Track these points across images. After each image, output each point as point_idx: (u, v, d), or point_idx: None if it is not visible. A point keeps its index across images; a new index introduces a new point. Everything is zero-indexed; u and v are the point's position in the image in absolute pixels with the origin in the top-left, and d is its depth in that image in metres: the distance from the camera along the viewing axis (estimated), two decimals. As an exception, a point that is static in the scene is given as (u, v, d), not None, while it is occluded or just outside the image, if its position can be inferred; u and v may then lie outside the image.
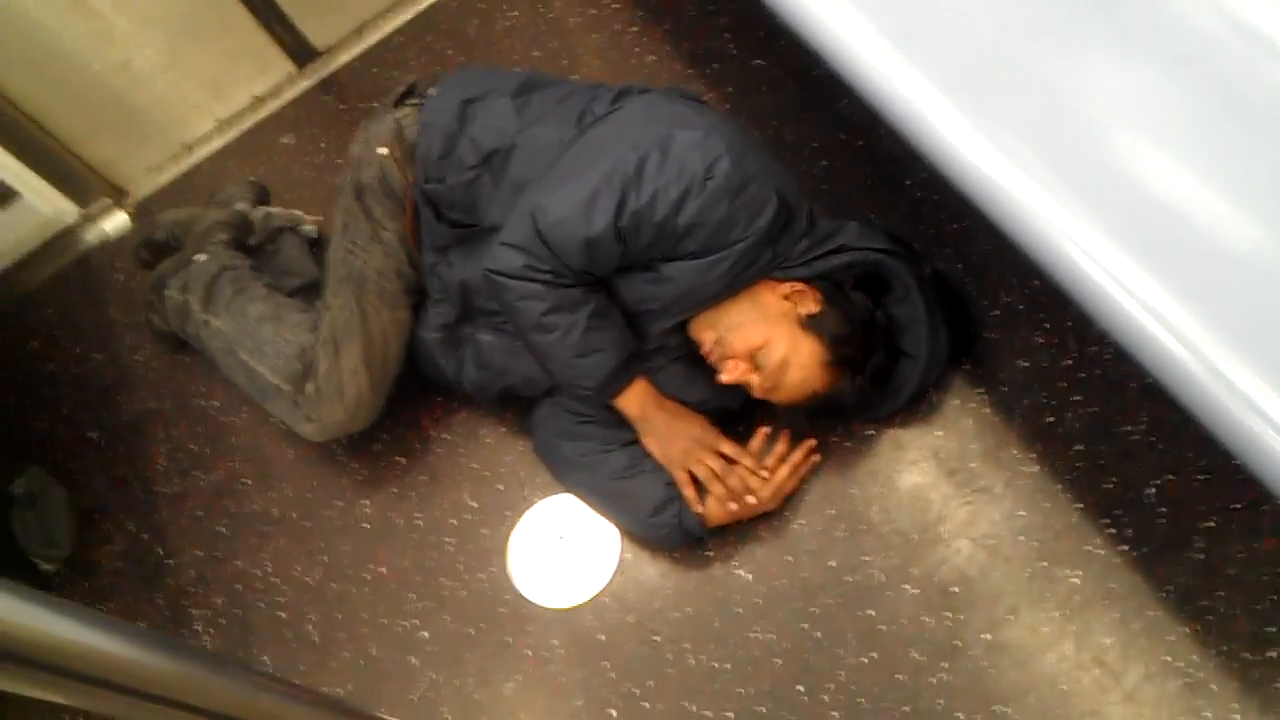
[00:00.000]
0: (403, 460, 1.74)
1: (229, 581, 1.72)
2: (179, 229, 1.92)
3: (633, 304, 1.42)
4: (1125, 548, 1.37)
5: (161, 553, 1.78)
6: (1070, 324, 1.50)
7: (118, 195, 2.18)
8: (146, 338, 1.98)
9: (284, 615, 1.67)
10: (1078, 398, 1.47)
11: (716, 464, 1.46)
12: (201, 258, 1.80)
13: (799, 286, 1.38)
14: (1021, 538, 1.41)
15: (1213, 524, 1.35)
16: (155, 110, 2.14)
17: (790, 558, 1.49)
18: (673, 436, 1.47)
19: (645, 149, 1.32)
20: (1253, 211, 1.12)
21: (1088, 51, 1.27)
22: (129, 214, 2.17)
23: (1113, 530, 1.38)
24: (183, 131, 2.20)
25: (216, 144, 2.21)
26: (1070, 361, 1.49)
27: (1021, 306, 1.54)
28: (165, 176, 2.20)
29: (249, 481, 1.80)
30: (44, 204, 2.08)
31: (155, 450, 1.88)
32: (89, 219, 2.15)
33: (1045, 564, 1.39)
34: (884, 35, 1.31)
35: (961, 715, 1.33)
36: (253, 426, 1.84)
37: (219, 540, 1.76)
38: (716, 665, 1.45)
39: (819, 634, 1.43)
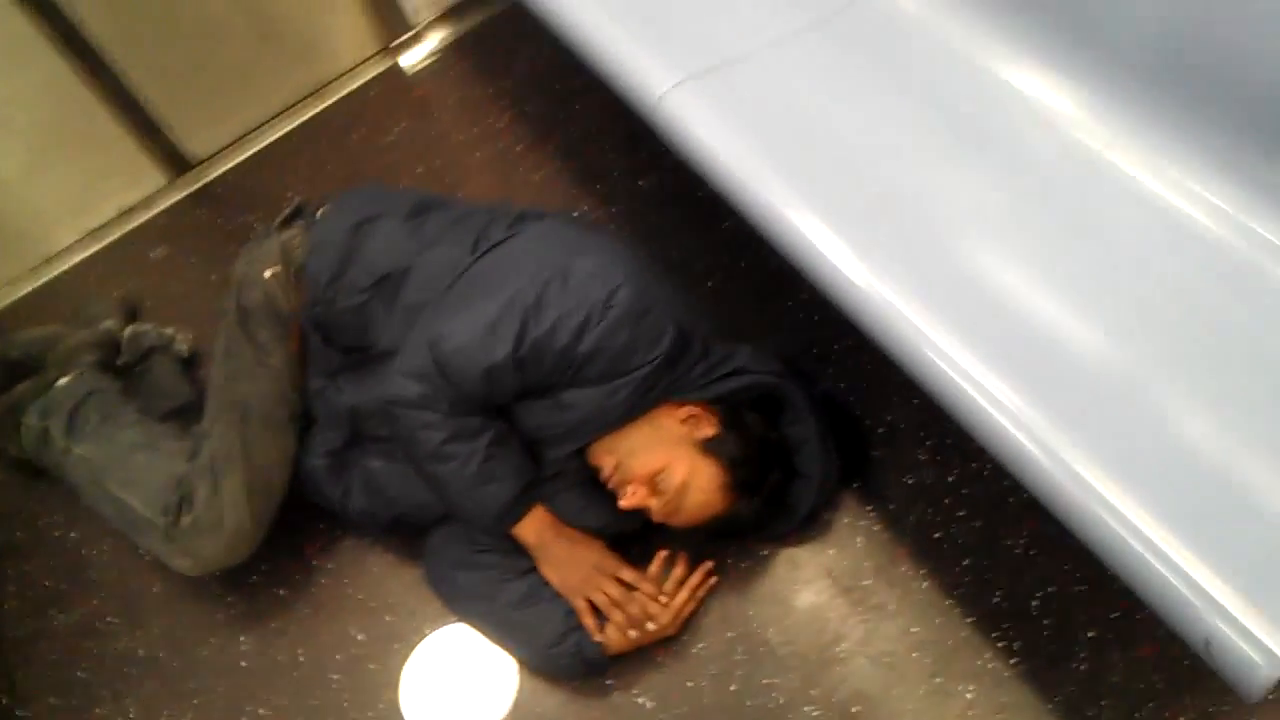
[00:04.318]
0: (283, 592, 1.65)
1: (89, 732, 1.59)
2: (37, 348, 1.81)
3: (532, 430, 1.41)
4: (1015, 660, 1.41)
5: (8, 703, 1.63)
6: (951, 440, 1.57)
7: (-33, 312, 2.06)
8: (-4, 465, 1.85)
9: (151, 767, 1.55)
10: (962, 513, 1.53)
11: (616, 591, 1.44)
12: (64, 381, 1.70)
13: (696, 410, 1.40)
14: (916, 654, 1.44)
15: (1094, 633, 1.41)
16: (13, 219, 2.04)
17: (691, 683, 1.47)
18: (571, 564, 1.45)
19: (545, 276, 1.32)
20: (1113, 333, 1.21)
21: (961, 181, 1.36)
22: (-22, 331, 2.04)
23: (1002, 643, 1.43)
24: (42, 243, 2.10)
25: (80, 256, 2.11)
26: (953, 478, 1.55)
27: (904, 425, 1.60)
28: (20, 290, 2.09)
29: (113, 620, 1.68)
30: (-118, 320, 1.94)
31: (5, 589, 1.74)
32: (-66, 337, 2.01)
33: (940, 680, 1.42)
34: (767, 165, 1.38)
35: (867, 839, 1.34)
36: (118, 559, 1.73)
37: (78, 687, 1.63)
38: (620, 799, 1.42)
39: (723, 761, 1.42)
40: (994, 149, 1.38)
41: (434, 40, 2.27)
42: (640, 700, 1.47)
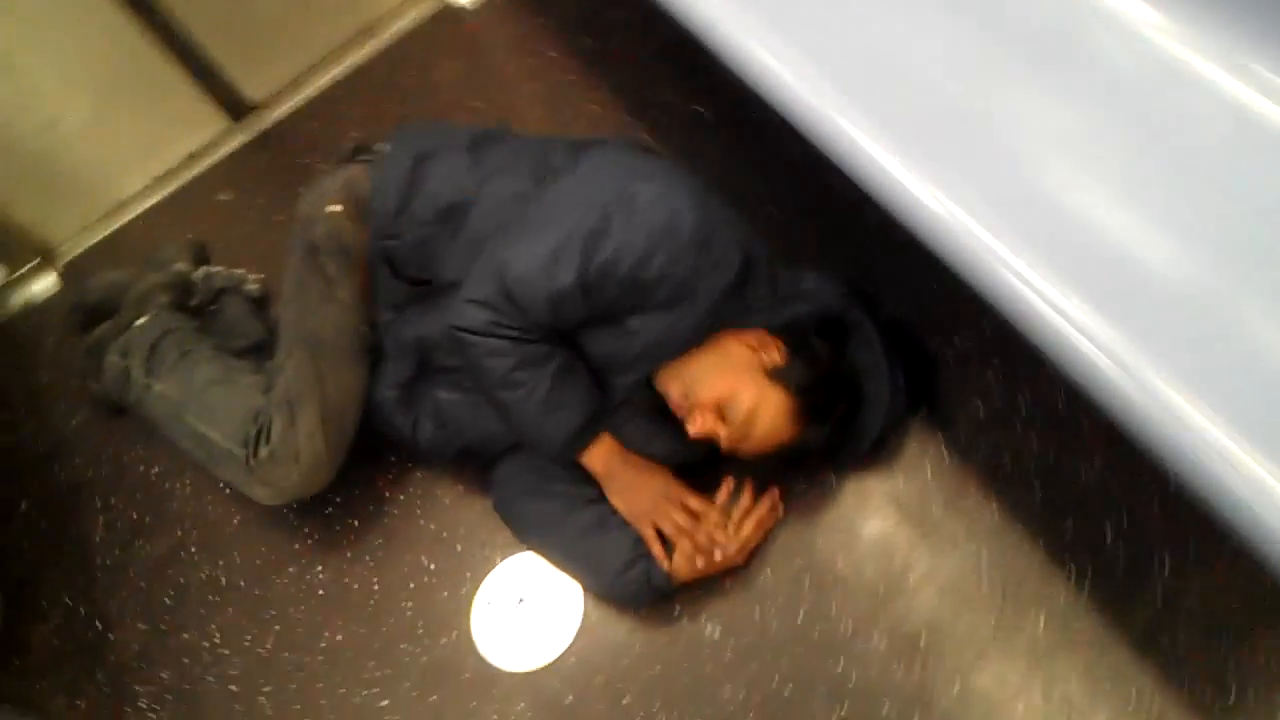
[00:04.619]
0: (356, 522, 1.69)
1: (176, 654, 1.65)
2: (115, 291, 1.86)
3: (598, 358, 1.42)
4: (1087, 588, 1.39)
5: (101, 627, 1.70)
6: (1022, 369, 1.54)
7: (46, 255, 2.12)
8: (81, 403, 1.90)
9: (235, 689, 1.60)
10: (1032, 440, 1.50)
11: (683, 519, 1.45)
12: (142, 321, 1.75)
13: (764, 336, 1.39)
14: (986, 583, 1.43)
15: (1169, 560, 1.38)
16: (84, 168, 2.09)
17: (758, 611, 1.48)
18: (639, 491, 1.46)
19: (609, 203, 1.32)
20: (1189, 246, 1.17)
21: (1028, 93, 1.31)
22: (59, 274, 2.10)
23: (1074, 572, 1.41)
24: (114, 189, 2.15)
25: (150, 201, 2.15)
26: (1023, 406, 1.52)
27: (974, 352, 1.58)
28: (96, 235, 2.14)
29: (195, 549, 1.74)
30: (-33, 266, 2.01)
31: (93, 520, 1.80)
32: (16, 281, 2.07)
33: (1010, 609, 1.40)
34: (829, 80, 1.34)
35: (935, 766, 1.34)
36: (198, 492, 1.78)
37: (164, 612, 1.69)
38: (688, 724, 1.43)
39: (790, 688, 1.42)
40: (1061, 57, 1.32)
41: (486, -25, 2.26)
42: (707, 628, 1.49)
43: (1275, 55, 1.23)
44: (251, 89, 2.19)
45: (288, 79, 2.22)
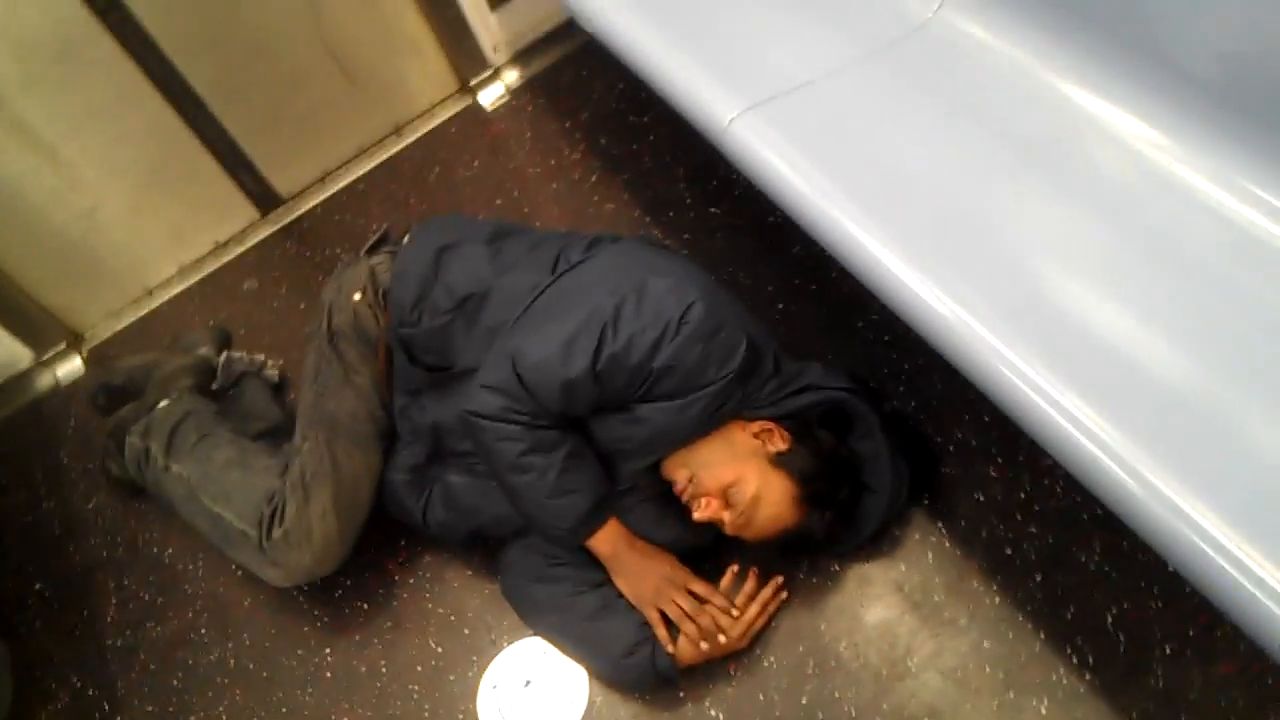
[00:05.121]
0: (366, 605, 1.71)
1: (182, 738, 1.66)
2: (138, 374, 1.92)
3: (607, 444, 1.46)
4: (1089, 675, 1.40)
5: (109, 708, 1.71)
6: (1022, 458, 1.57)
7: (74, 340, 2.18)
8: (99, 484, 1.95)
9: (241, 772, 1.61)
10: (1033, 529, 1.53)
11: (687, 603, 1.47)
12: (164, 404, 1.80)
13: (768, 425, 1.43)
14: (988, 669, 1.44)
15: (1170, 650, 1.40)
16: (117, 255, 2.16)
17: (762, 696, 1.49)
18: (644, 576, 1.49)
19: (621, 294, 1.37)
20: (1185, 348, 1.21)
21: (1031, 200, 1.38)
22: (84, 359, 2.16)
23: (1076, 658, 1.42)
24: (143, 276, 2.23)
25: (177, 288, 2.23)
26: (1024, 495, 1.55)
27: (975, 442, 1.61)
28: (124, 321, 2.21)
29: (205, 631, 1.75)
30: (-2, 349, 2.07)
31: (106, 601, 1.83)
32: (44, 364, 2.13)
33: (1012, 695, 1.41)
34: (838, 185, 1.41)
35: None
36: (210, 574, 1.81)
37: (172, 694, 1.70)
38: (693, 810, 1.43)
39: (795, 774, 1.43)
40: (1062, 168, 1.40)
41: (510, 78, 2.36)
42: (711, 712, 1.49)
43: (1259, 169, 1.30)
44: (281, 182, 2.28)
45: (317, 174, 2.32)
